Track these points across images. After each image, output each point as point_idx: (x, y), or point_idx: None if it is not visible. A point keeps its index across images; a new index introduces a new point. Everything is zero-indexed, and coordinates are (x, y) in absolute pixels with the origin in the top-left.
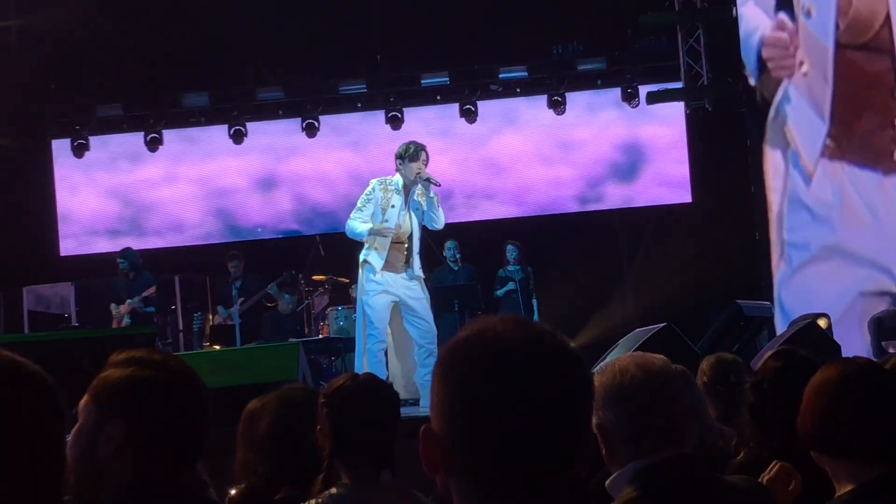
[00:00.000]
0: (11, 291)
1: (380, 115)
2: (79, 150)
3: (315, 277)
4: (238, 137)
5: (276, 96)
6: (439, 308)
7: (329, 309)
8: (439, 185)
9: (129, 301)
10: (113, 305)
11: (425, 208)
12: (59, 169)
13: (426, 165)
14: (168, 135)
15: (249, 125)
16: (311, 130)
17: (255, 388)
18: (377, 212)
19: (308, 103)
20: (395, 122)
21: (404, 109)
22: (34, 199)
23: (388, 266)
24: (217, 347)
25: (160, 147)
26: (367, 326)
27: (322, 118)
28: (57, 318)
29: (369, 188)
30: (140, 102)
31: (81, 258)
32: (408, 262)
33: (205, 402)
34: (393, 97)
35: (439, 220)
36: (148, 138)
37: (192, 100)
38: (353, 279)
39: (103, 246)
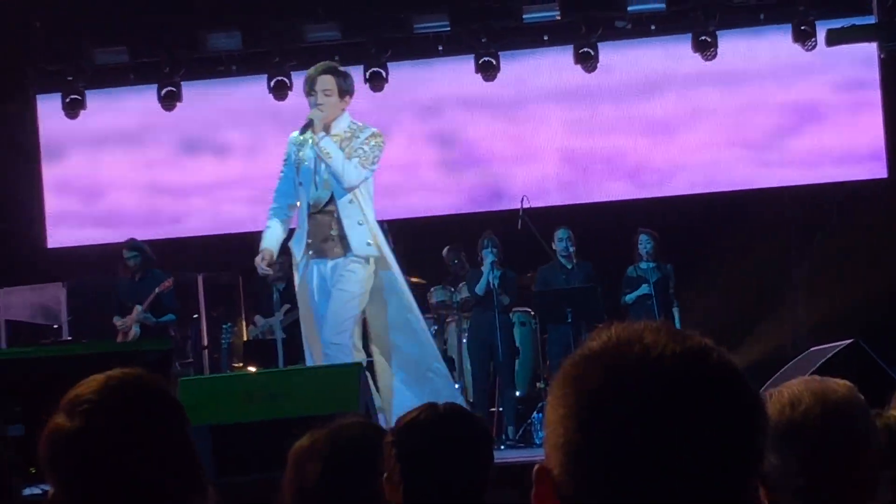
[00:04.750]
0: None
1: (467, 62)
2: (72, 108)
3: None
4: (280, 91)
5: (331, 37)
6: (546, 317)
7: None
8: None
9: (137, 308)
10: (116, 318)
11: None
12: (46, 134)
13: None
14: (188, 88)
15: (295, 74)
16: (376, 81)
17: (304, 423)
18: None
19: (371, 45)
20: (489, 71)
21: (500, 53)
22: (14, 174)
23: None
24: (253, 369)
25: (177, 104)
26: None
27: (391, 66)
28: (44, 329)
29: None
30: (150, 45)
31: (75, 251)
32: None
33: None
34: (485, 37)
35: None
36: (162, 93)
37: (219, 41)
38: (431, 279)
39: (102, 235)
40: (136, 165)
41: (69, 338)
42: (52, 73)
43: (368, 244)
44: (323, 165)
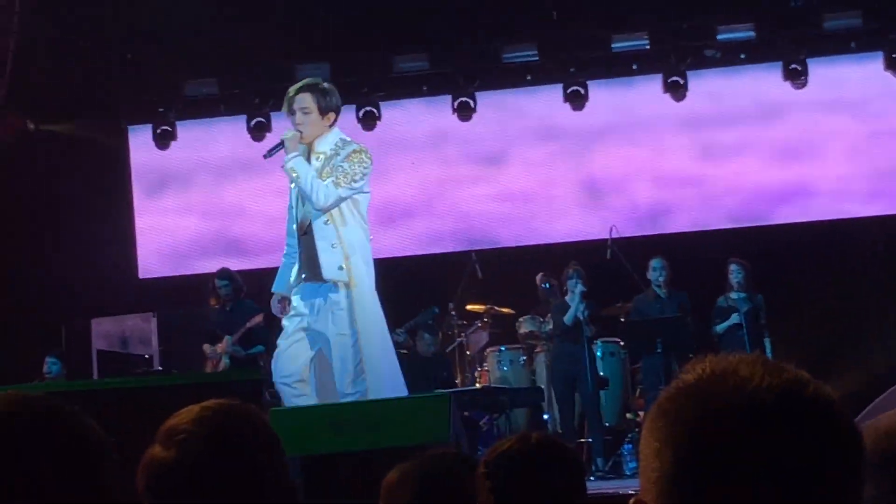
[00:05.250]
0: (77, 324)
1: (555, 91)
2: (162, 140)
3: (470, 308)
4: (368, 121)
5: (419, 67)
6: (636, 347)
7: (489, 350)
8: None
9: (226, 339)
10: (207, 346)
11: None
12: (137, 164)
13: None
14: (277, 118)
15: (383, 105)
16: (464, 111)
17: (394, 454)
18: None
19: (459, 76)
20: (577, 100)
21: (588, 83)
22: (105, 205)
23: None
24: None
25: (267, 134)
26: None
27: (479, 95)
28: (135, 359)
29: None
30: (239, 78)
31: (165, 281)
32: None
33: None
34: (573, 66)
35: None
36: (252, 123)
37: (308, 73)
38: (520, 310)
39: (194, 266)
40: (227, 192)
41: (160, 368)
42: (143, 104)
43: (340, 268)
44: None
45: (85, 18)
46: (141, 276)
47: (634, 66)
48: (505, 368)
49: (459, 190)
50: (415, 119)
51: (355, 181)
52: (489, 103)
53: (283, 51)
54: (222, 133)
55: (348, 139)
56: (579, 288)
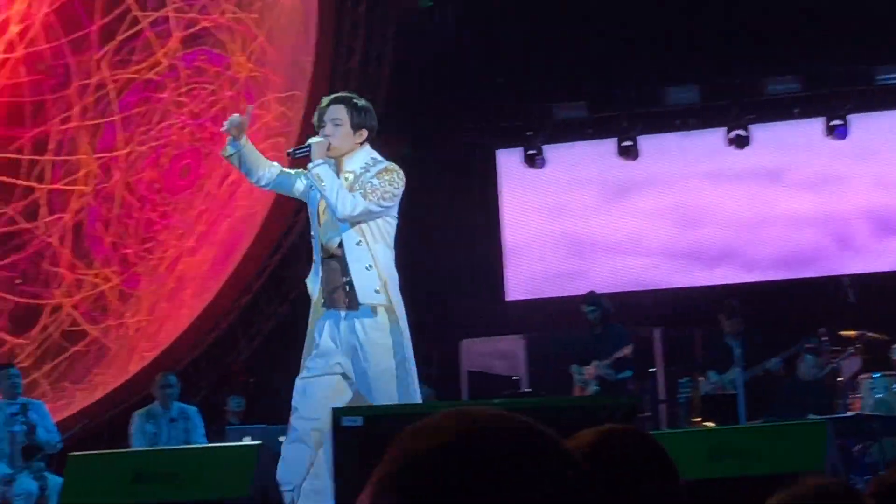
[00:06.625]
0: (448, 346)
1: None
2: (531, 163)
3: (843, 334)
4: (739, 144)
5: (791, 90)
6: None
7: (862, 377)
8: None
9: (595, 363)
10: (574, 367)
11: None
12: (506, 188)
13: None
14: (645, 141)
15: (752, 128)
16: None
17: (766, 482)
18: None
19: (832, 97)
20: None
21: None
22: (475, 228)
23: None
24: (710, 424)
25: (638, 158)
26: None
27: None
28: (502, 380)
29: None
30: (609, 101)
31: (533, 304)
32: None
33: None
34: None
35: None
36: (621, 146)
37: (678, 95)
38: (894, 336)
39: (558, 289)
40: (594, 215)
41: (528, 389)
42: (513, 128)
43: (377, 291)
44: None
45: (451, 44)
46: (508, 298)
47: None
48: (878, 395)
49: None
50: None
51: (384, 199)
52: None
53: (652, 74)
54: (589, 155)
55: (379, 158)
56: None
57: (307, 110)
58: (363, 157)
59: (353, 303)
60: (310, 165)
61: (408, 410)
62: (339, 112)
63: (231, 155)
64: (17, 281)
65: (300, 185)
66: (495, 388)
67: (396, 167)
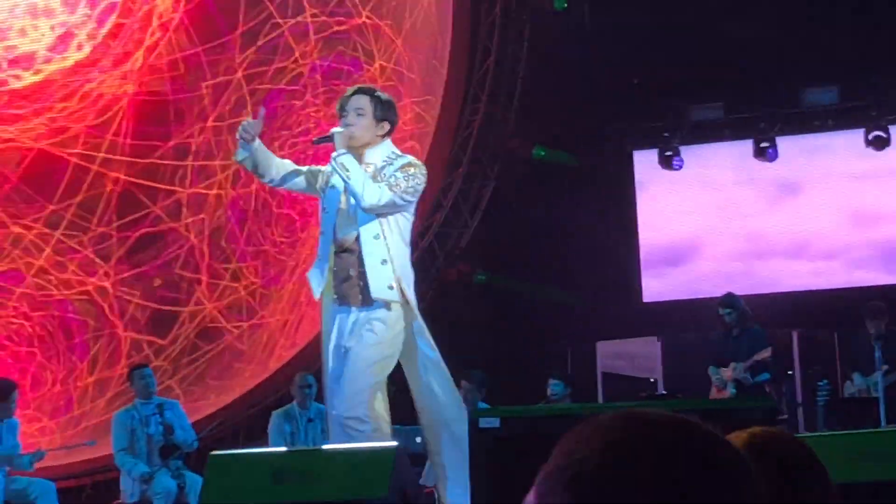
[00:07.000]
0: (583, 347)
1: None
2: (667, 164)
3: None
4: (879, 144)
5: None
6: None
7: None
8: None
9: (733, 365)
10: (712, 369)
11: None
12: (642, 190)
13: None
14: (783, 143)
15: (893, 129)
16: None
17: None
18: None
19: None
20: None
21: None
22: (611, 228)
23: None
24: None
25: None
26: None
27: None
28: (638, 381)
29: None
30: (747, 102)
31: (669, 305)
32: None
33: None
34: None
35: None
36: (758, 147)
37: (817, 96)
38: None
39: (696, 290)
40: (732, 216)
41: (664, 392)
42: (648, 129)
43: (390, 287)
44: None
45: (586, 45)
46: (645, 299)
47: None
48: None
49: None
50: None
51: (407, 194)
52: None
53: (791, 74)
54: (726, 157)
55: (401, 153)
56: None
57: (442, 114)
58: (384, 151)
59: (366, 298)
60: (333, 154)
61: (544, 412)
62: (363, 101)
63: (244, 159)
64: (158, 283)
65: (302, 182)
66: (630, 390)
67: (419, 163)
